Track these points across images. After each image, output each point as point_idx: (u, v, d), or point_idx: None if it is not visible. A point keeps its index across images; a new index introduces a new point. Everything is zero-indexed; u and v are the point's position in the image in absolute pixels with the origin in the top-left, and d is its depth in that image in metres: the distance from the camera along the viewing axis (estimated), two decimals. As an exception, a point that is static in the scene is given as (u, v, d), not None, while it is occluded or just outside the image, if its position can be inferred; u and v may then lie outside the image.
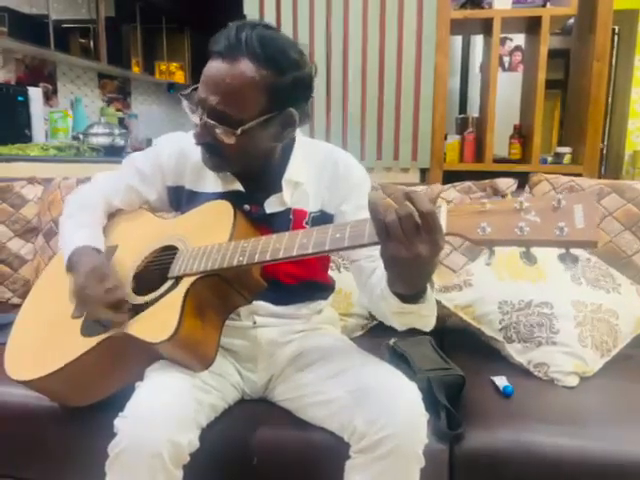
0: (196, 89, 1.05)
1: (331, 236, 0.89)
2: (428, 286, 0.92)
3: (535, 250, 0.76)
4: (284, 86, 1.01)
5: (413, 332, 1.39)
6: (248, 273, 1.07)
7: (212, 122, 1.02)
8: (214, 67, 1.01)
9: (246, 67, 0.99)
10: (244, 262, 0.97)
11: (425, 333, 1.39)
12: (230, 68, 0.99)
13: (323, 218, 1.16)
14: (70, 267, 1.16)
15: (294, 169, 1.16)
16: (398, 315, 0.99)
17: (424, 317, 0.99)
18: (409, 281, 0.88)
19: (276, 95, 1.02)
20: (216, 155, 1.08)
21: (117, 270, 1.14)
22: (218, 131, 1.02)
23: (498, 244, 0.76)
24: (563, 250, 0.73)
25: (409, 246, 0.78)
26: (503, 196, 1.63)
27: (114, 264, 1.17)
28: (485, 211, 0.77)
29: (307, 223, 1.15)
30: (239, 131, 1.01)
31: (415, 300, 0.93)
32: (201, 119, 1.03)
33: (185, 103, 1.07)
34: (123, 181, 1.27)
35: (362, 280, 1.13)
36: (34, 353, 1.16)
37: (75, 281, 1.12)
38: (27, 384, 1.13)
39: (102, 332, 1.07)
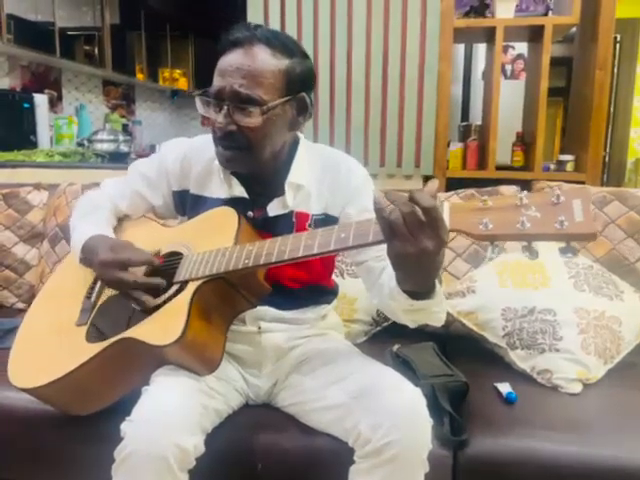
0: (206, 91, 1.08)
1: (336, 236, 0.90)
2: (437, 282, 0.93)
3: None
4: (297, 71, 1.08)
5: (417, 339, 1.40)
6: (253, 276, 1.08)
7: (237, 105, 1.05)
8: (232, 56, 1.06)
9: (264, 52, 1.05)
10: (250, 264, 0.98)
11: (429, 339, 1.40)
12: (249, 53, 1.05)
13: (326, 221, 1.16)
14: (86, 252, 1.15)
15: (297, 172, 1.17)
16: (409, 313, 1.00)
17: (434, 313, 1.00)
18: (417, 278, 0.89)
19: (291, 79, 1.07)
20: (234, 147, 1.08)
21: None
22: (242, 114, 1.05)
23: (500, 239, 0.77)
24: (563, 244, 0.75)
25: (414, 242, 0.79)
26: None
27: None
28: (486, 208, 0.78)
29: (310, 226, 1.16)
30: (265, 108, 1.04)
31: (424, 297, 0.94)
32: (221, 109, 1.06)
33: (198, 102, 1.10)
34: (129, 187, 1.28)
35: (371, 280, 1.13)
36: (37, 361, 1.16)
37: (97, 257, 1.10)
38: (30, 392, 1.12)
39: (107, 338, 1.07)
